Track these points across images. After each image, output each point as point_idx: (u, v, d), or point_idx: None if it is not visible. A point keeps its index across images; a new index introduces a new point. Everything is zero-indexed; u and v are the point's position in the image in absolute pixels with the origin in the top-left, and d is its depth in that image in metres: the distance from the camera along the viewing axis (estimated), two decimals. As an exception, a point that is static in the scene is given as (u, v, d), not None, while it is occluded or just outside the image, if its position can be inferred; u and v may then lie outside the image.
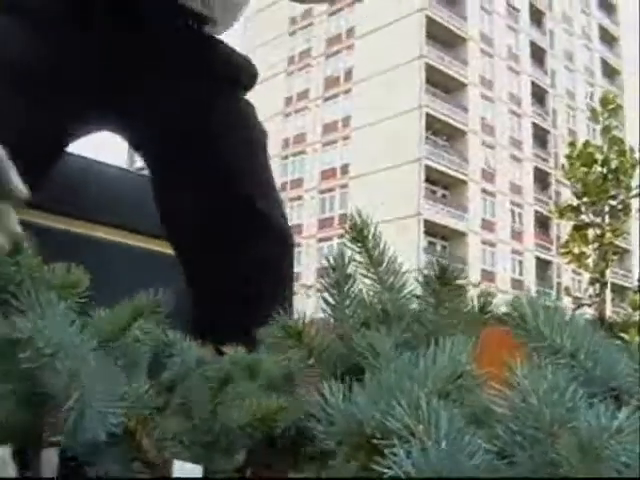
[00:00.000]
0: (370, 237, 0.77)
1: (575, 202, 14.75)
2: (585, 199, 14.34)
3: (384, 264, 0.77)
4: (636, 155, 14.25)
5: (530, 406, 0.40)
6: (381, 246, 0.77)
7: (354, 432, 0.43)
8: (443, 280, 0.74)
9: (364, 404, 0.44)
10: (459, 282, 0.75)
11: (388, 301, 0.74)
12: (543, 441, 0.39)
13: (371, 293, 0.76)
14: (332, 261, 0.76)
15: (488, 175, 38.86)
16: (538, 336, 0.51)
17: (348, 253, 0.78)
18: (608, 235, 14.15)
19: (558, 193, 38.22)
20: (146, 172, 1.67)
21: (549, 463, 0.38)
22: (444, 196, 37.94)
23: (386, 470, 0.37)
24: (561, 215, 15.07)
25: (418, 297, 0.75)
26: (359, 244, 0.77)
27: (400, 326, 0.70)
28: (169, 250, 1.77)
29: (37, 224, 2.09)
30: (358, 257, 0.77)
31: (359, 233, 0.77)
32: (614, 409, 0.41)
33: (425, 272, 0.75)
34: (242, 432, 0.62)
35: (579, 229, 14.42)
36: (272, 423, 0.61)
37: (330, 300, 0.75)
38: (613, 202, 14.38)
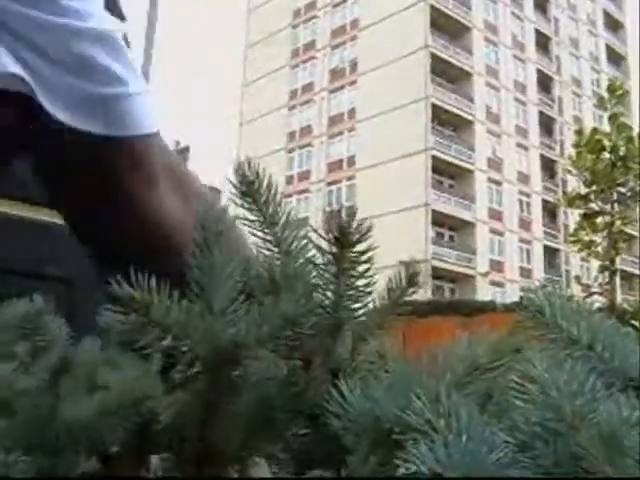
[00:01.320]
0: (262, 191, 0.62)
1: (583, 190, 14.70)
2: (594, 187, 14.28)
3: (280, 223, 0.62)
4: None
5: (550, 398, 0.40)
6: (276, 201, 0.63)
7: (373, 428, 0.43)
8: (344, 243, 0.56)
9: (382, 399, 0.44)
10: (365, 245, 0.57)
11: (278, 268, 0.59)
12: (564, 433, 0.38)
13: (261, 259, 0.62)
14: (201, 213, 0.59)
15: (495, 164, 38.77)
16: (555, 328, 0.51)
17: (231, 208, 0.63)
18: (617, 223, 14.09)
19: (565, 181, 38.14)
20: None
21: (571, 456, 0.38)
22: (451, 186, 37.88)
23: (408, 466, 0.37)
24: (569, 204, 15.02)
25: (315, 265, 0.59)
26: (249, 199, 0.62)
27: (291, 299, 0.55)
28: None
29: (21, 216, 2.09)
30: (250, 215, 0.62)
31: (249, 186, 0.62)
32: (634, 400, 0.41)
33: (322, 232, 0.57)
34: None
35: (588, 217, 14.37)
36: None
37: (196, 266, 0.57)
38: (622, 189, 14.31)
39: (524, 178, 40.37)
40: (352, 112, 39.41)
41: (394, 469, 0.38)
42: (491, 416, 0.42)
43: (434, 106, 36.39)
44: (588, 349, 0.49)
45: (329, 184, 39.34)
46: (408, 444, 0.38)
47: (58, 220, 2.18)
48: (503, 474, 0.36)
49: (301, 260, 0.61)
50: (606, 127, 15.08)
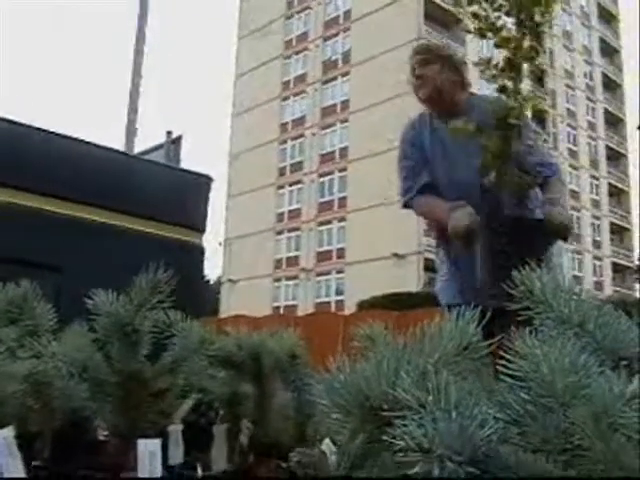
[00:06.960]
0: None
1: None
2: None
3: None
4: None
5: (542, 375, 0.39)
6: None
7: (362, 404, 0.42)
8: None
9: (371, 376, 0.43)
10: None
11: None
12: (556, 410, 0.38)
13: None
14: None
15: (487, 156, 38.79)
16: (546, 307, 0.50)
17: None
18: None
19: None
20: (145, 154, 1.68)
21: (562, 432, 0.37)
22: (444, 178, 37.89)
23: (396, 441, 0.36)
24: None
25: None
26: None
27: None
28: (160, 231, 1.76)
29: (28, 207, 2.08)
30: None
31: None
32: (626, 377, 0.41)
33: None
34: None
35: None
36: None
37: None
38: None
39: (516, 170, 40.41)
40: (345, 103, 39.32)
41: (383, 445, 0.38)
42: (481, 393, 0.41)
43: (427, 98, 36.32)
44: (579, 328, 0.48)
45: (321, 175, 39.28)
46: (397, 421, 0.37)
47: (49, 207, 2.17)
48: (492, 450, 0.35)
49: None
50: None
